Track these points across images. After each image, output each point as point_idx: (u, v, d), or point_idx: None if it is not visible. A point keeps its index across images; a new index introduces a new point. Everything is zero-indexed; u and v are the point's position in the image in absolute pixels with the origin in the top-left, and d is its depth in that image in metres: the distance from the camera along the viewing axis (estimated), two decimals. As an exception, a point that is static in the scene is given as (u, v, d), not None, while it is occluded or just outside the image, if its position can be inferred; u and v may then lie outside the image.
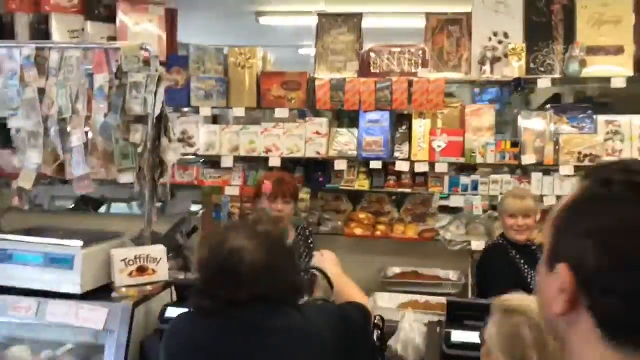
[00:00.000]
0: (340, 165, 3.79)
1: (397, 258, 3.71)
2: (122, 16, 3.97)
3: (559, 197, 3.60)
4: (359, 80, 3.73)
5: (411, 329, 2.04)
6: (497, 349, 1.37)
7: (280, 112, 3.83)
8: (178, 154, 2.23)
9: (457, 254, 3.63)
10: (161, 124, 2.16)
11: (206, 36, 6.27)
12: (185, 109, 4.03)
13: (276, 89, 3.85)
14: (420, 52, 3.74)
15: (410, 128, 3.78)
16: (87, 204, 4.79)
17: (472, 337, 1.83)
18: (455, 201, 3.71)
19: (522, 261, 2.88)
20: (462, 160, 3.67)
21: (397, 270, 3.71)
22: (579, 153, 3.53)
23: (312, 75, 3.89)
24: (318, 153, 3.80)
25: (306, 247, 2.83)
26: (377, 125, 3.76)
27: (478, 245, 3.56)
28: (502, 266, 2.86)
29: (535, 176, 3.60)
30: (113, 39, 4.01)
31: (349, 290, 1.86)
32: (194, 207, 4.14)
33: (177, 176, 3.95)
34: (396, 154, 3.80)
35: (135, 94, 2.13)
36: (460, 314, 1.97)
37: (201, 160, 4.05)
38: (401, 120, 3.85)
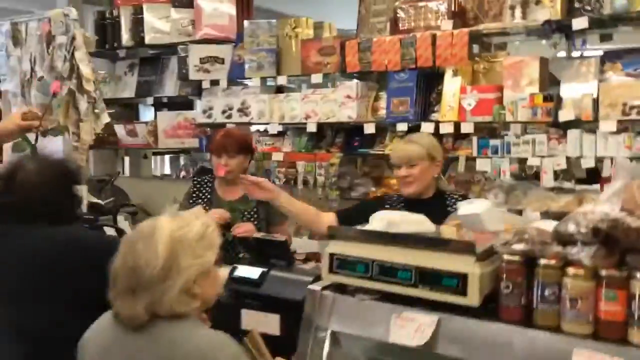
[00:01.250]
0: (369, 128, 3.70)
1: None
2: (199, 0, 4.43)
3: (600, 160, 3.00)
4: (384, 40, 3.59)
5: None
6: None
7: (316, 78, 3.89)
8: (85, 106, 2.54)
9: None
10: (78, 80, 2.49)
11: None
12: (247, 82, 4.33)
13: (314, 55, 3.92)
14: (445, 4, 3.44)
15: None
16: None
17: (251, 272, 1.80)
18: (482, 165, 3.33)
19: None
20: (488, 118, 3.29)
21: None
22: (624, 105, 2.89)
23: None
24: (349, 117, 3.76)
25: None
26: (404, 85, 3.58)
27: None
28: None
29: (572, 134, 3.05)
30: (193, 22, 4.53)
31: None
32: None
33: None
34: (434, 116, 3.57)
35: (59, 53, 2.50)
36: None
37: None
38: (438, 79, 3.59)
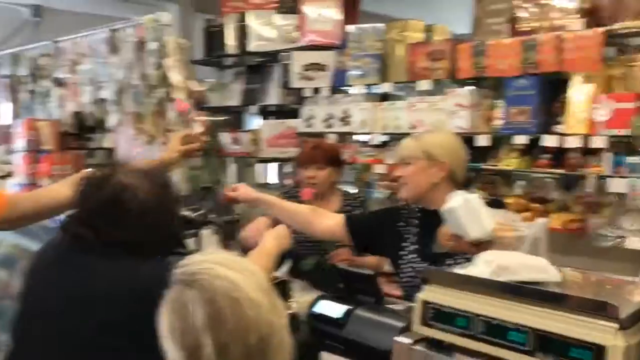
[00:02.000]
0: (482, 141, 3.33)
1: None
2: (303, 6, 4.29)
3: None
4: (501, 42, 3.22)
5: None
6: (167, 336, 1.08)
7: (423, 85, 3.59)
8: (172, 113, 2.42)
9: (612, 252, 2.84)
10: (168, 88, 2.39)
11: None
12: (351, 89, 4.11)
13: (422, 60, 3.62)
14: (575, 1, 3.01)
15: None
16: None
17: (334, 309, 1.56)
18: (617, 185, 2.87)
19: (406, 229, 2.09)
20: (625, 132, 2.83)
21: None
22: None
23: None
24: (460, 128, 3.42)
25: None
26: (524, 93, 3.19)
27: (635, 242, 2.72)
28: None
29: None
30: (297, 27, 4.39)
31: None
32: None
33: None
34: (558, 127, 3.15)
35: (150, 60, 2.42)
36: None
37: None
38: (562, 86, 3.16)
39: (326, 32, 4.25)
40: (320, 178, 2.65)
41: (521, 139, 3.17)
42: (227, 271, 1.07)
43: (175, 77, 2.41)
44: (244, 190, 2.32)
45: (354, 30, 3.99)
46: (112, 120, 2.80)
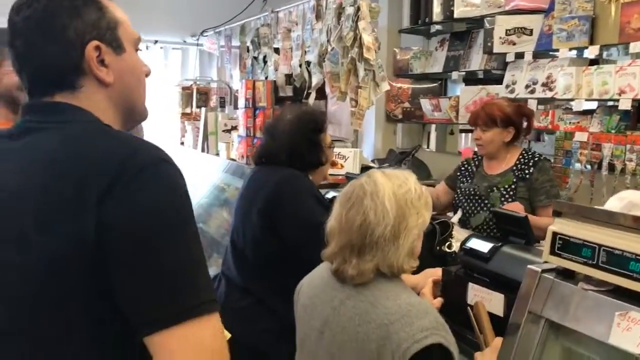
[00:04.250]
0: (699, 107, 3.02)
1: None
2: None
3: None
4: None
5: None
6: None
7: (636, 47, 3.33)
8: (363, 73, 2.64)
9: None
10: (360, 49, 2.64)
11: None
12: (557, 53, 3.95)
13: (636, 20, 3.36)
14: None
15: None
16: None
17: (482, 246, 1.69)
18: None
19: None
20: None
21: None
22: None
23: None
24: (675, 93, 3.14)
25: (521, 173, 2.69)
26: None
27: None
28: None
29: None
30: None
31: None
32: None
33: (536, 121, 3.98)
34: None
35: (347, 24, 2.69)
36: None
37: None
38: None
39: (534, -5, 4.13)
40: (486, 139, 2.70)
41: None
42: (381, 176, 1.40)
43: (367, 38, 2.63)
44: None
45: (560, -9, 3.83)
46: (314, 80, 3.15)
